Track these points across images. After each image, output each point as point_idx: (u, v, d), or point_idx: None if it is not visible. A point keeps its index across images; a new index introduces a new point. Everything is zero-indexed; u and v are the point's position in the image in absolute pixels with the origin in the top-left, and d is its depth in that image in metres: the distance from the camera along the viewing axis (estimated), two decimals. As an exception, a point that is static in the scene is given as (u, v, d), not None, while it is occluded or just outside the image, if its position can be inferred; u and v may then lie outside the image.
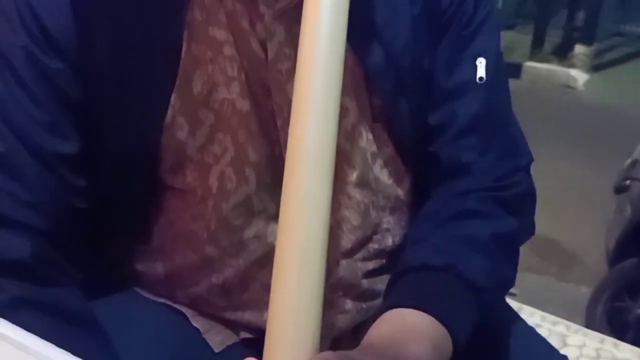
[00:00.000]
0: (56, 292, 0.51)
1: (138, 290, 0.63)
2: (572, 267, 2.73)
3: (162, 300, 0.62)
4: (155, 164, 0.55)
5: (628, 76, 5.65)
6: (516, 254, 0.59)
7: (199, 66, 0.54)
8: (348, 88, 0.56)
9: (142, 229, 0.59)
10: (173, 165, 0.56)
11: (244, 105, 0.55)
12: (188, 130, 0.54)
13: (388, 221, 0.62)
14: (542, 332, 1.58)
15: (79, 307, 0.53)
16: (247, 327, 0.61)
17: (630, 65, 5.91)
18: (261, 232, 0.58)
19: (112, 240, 0.59)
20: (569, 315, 2.21)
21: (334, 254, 0.60)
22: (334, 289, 0.61)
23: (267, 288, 0.57)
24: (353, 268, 0.61)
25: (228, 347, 0.61)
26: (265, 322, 0.45)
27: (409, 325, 0.47)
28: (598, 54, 5.89)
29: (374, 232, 0.61)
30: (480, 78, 0.59)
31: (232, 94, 0.54)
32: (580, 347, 1.53)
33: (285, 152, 0.55)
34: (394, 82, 0.57)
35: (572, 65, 5.62)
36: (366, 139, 0.58)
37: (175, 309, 0.62)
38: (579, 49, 5.66)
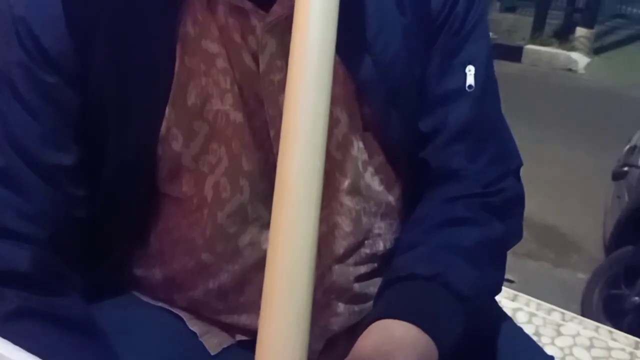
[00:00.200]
0: (58, 301, 0.53)
1: (137, 294, 0.64)
2: (570, 253, 2.74)
3: (160, 304, 0.64)
4: (152, 172, 0.57)
5: (629, 58, 5.63)
6: (503, 259, 0.61)
7: (193, 79, 0.55)
8: (339, 99, 0.57)
9: (140, 235, 0.61)
10: (169, 174, 0.57)
11: (237, 116, 0.56)
12: (183, 141, 0.56)
13: (379, 226, 0.63)
14: (537, 321, 1.61)
15: (81, 315, 0.54)
16: (243, 329, 0.63)
17: (632, 48, 5.89)
18: (255, 239, 0.59)
19: (111, 246, 0.61)
20: (565, 302, 2.24)
21: (327, 260, 0.61)
22: (327, 293, 0.62)
23: (262, 292, 0.58)
24: (345, 272, 0.63)
25: (224, 349, 0.63)
26: None
27: (395, 337, 0.48)
28: (599, 36, 5.87)
29: (366, 238, 0.63)
30: (470, 86, 0.60)
31: (226, 106, 0.56)
32: (574, 336, 1.55)
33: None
34: (384, 93, 0.58)
35: (573, 48, 5.60)
36: (357, 148, 0.60)
37: (173, 312, 0.63)
38: (580, 31, 5.65)
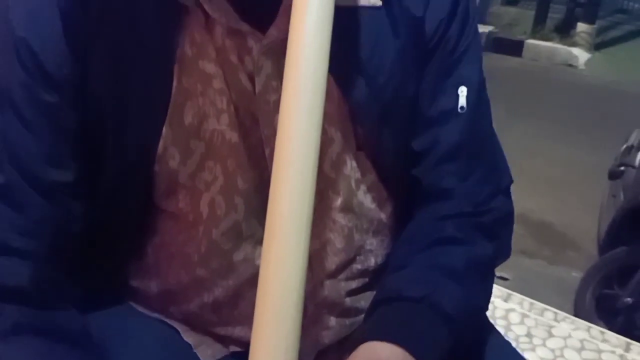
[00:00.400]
0: (56, 316, 0.54)
1: (133, 304, 0.66)
2: (565, 251, 2.76)
3: (155, 315, 0.65)
4: (149, 189, 0.58)
5: (630, 55, 5.62)
6: (491, 278, 0.62)
7: (190, 99, 0.56)
8: (333, 119, 0.58)
9: (137, 248, 0.62)
10: (166, 191, 0.58)
11: (233, 136, 0.57)
12: (180, 159, 0.57)
13: (371, 243, 0.65)
14: (529, 322, 1.63)
15: (78, 329, 0.56)
16: (237, 341, 0.65)
17: (633, 44, 5.88)
18: (249, 255, 0.61)
19: (108, 257, 0.62)
20: (559, 300, 2.26)
21: (319, 275, 0.63)
22: (319, 307, 0.64)
23: (255, 306, 0.60)
24: (337, 287, 0.64)
25: (218, 360, 0.65)
26: None
27: (381, 359, 0.50)
28: (600, 31, 5.85)
29: (357, 254, 0.64)
30: (462, 107, 0.61)
31: (222, 126, 0.57)
32: (566, 338, 1.57)
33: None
34: (377, 115, 0.59)
35: (573, 44, 5.60)
36: (350, 167, 0.61)
37: (168, 324, 0.65)
38: (581, 27, 5.63)
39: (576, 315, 1.99)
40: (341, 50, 0.51)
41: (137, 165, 0.57)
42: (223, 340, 0.65)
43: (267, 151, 0.58)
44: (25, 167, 0.53)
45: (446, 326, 0.53)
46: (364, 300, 0.65)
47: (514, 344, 1.59)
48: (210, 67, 0.55)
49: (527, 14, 6.12)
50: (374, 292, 0.64)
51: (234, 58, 0.55)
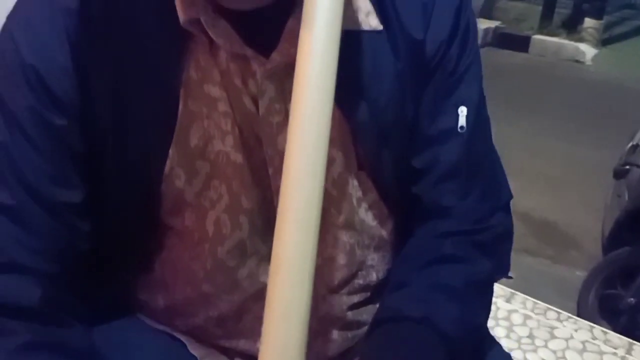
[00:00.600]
0: (65, 333, 0.56)
1: (141, 317, 0.68)
2: (569, 250, 2.76)
3: (162, 327, 0.67)
4: (156, 207, 0.60)
5: (637, 50, 5.59)
6: (490, 294, 0.64)
7: (196, 121, 0.57)
8: (335, 140, 0.59)
9: (144, 262, 0.64)
10: (172, 209, 0.60)
11: (238, 157, 0.58)
12: (185, 178, 0.58)
13: (372, 258, 0.66)
14: (531, 323, 1.64)
15: (86, 347, 0.57)
16: (242, 354, 0.66)
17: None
18: (253, 271, 0.62)
19: (116, 272, 0.64)
20: (562, 299, 2.27)
21: (321, 290, 0.64)
22: (321, 321, 0.65)
23: (259, 319, 0.61)
24: (339, 302, 0.66)
25: (223, 372, 0.66)
26: (257, 349, 0.50)
27: None
28: (608, 27, 5.82)
29: (359, 269, 0.66)
30: (462, 127, 0.62)
31: (227, 147, 0.58)
32: (567, 339, 1.58)
33: (276, 199, 0.59)
34: (378, 136, 0.60)
35: (580, 39, 5.57)
36: (352, 186, 0.62)
37: (175, 336, 0.67)
38: (589, 22, 5.60)
39: (579, 315, 1.99)
40: (343, 73, 0.52)
41: (144, 185, 0.58)
42: (228, 352, 0.67)
43: (270, 171, 0.59)
44: (34, 188, 0.55)
45: (445, 347, 0.55)
46: (366, 313, 0.67)
47: (516, 345, 1.60)
48: (215, 91, 0.57)
49: (534, 9, 6.09)
50: (376, 306, 0.66)
51: (238, 81, 0.57)
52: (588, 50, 5.51)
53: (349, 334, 0.67)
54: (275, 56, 0.55)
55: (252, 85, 0.57)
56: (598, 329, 1.68)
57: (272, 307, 0.47)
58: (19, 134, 0.54)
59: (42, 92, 0.54)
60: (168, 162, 0.57)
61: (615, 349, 1.59)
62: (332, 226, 0.63)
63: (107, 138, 0.56)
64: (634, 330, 1.94)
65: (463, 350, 0.57)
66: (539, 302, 1.79)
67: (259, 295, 0.63)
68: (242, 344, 0.66)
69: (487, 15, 6.17)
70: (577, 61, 5.51)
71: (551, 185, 3.22)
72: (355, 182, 0.62)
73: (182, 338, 0.67)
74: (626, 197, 2.32)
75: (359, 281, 0.66)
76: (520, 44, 5.65)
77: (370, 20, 0.58)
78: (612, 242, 2.23)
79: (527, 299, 1.80)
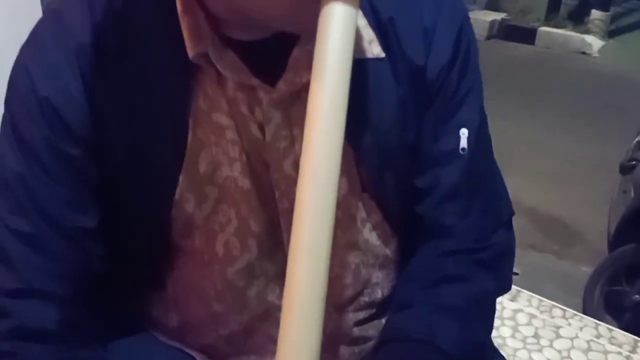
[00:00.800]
0: (82, 354, 0.58)
1: (154, 333, 0.70)
2: (574, 246, 2.76)
3: (174, 344, 0.69)
4: (168, 230, 0.62)
5: (643, 42, 5.55)
6: (492, 311, 0.65)
7: (204, 149, 0.59)
8: None
9: (157, 282, 0.66)
10: (182, 232, 0.62)
11: (245, 183, 0.60)
12: (195, 203, 0.60)
13: (377, 276, 0.68)
14: (536, 323, 1.66)
15: None
16: (251, 369, 0.69)
17: (647, 31, 5.80)
18: (262, 291, 0.64)
19: (129, 290, 0.66)
20: (567, 295, 2.28)
21: (328, 308, 0.66)
22: (329, 337, 0.67)
23: (268, 337, 0.64)
24: (345, 319, 0.68)
25: (234, 387, 0.69)
26: None
27: None
28: (614, 18, 5.78)
29: (365, 287, 0.68)
30: (463, 149, 0.63)
31: (235, 173, 0.60)
32: (573, 339, 1.60)
33: (283, 221, 0.61)
34: (381, 159, 0.62)
35: (587, 31, 5.54)
36: (356, 207, 0.64)
37: (187, 352, 0.69)
38: (595, 14, 5.57)
39: (584, 312, 2.01)
40: (347, 100, 0.54)
41: (156, 209, 0.60)
42: (238, 368, 0.69)
43: (277, 194, 0.61)
44: (51, 216, 0.57)
45: None
46: (372, 329, 0.69)
47: (521, 345, 1.62)
48: (223, 119, 0.59)
49: (540, 1, 6.05)
50: (381, 321, 0.68)
51: (244, 109, 0.58)
52: (595, 42, 5.49)
53: (356, 349, 0.70)
54: (281, 85, 0.57)
55: (259, 112, 0.58)
56: (603, 327, 1.69)
57: (285, 344, 0.48)
58: (35, 164, 0.56)
59: (56, 124, 0.56)
60: (178, 188, 0.59)
61: (621, 347, 1.61)
62: (337, 247, 0.64)
63: (120, 166, 0.58)
64: (639, 326, 1.95)
65: None
66: (544, 299, 1.80)
67: (267, 314, 0.65)
68: (252, 360, 0.68)
69: (494, 7, 6.14)
70: (584, 53, 5.49)
71: (557, 180, 3.22)
72: (360, 204, 0.64)
73: (194, 354, 0.69)
74: (632, 194, 2.32)
75: (365, 298, 0.68)
76: (527, 36, 5.64)
77: (373, 48, 0.60)
78: (617, 238, 2.23)
79: (532, 296, 1.81)
